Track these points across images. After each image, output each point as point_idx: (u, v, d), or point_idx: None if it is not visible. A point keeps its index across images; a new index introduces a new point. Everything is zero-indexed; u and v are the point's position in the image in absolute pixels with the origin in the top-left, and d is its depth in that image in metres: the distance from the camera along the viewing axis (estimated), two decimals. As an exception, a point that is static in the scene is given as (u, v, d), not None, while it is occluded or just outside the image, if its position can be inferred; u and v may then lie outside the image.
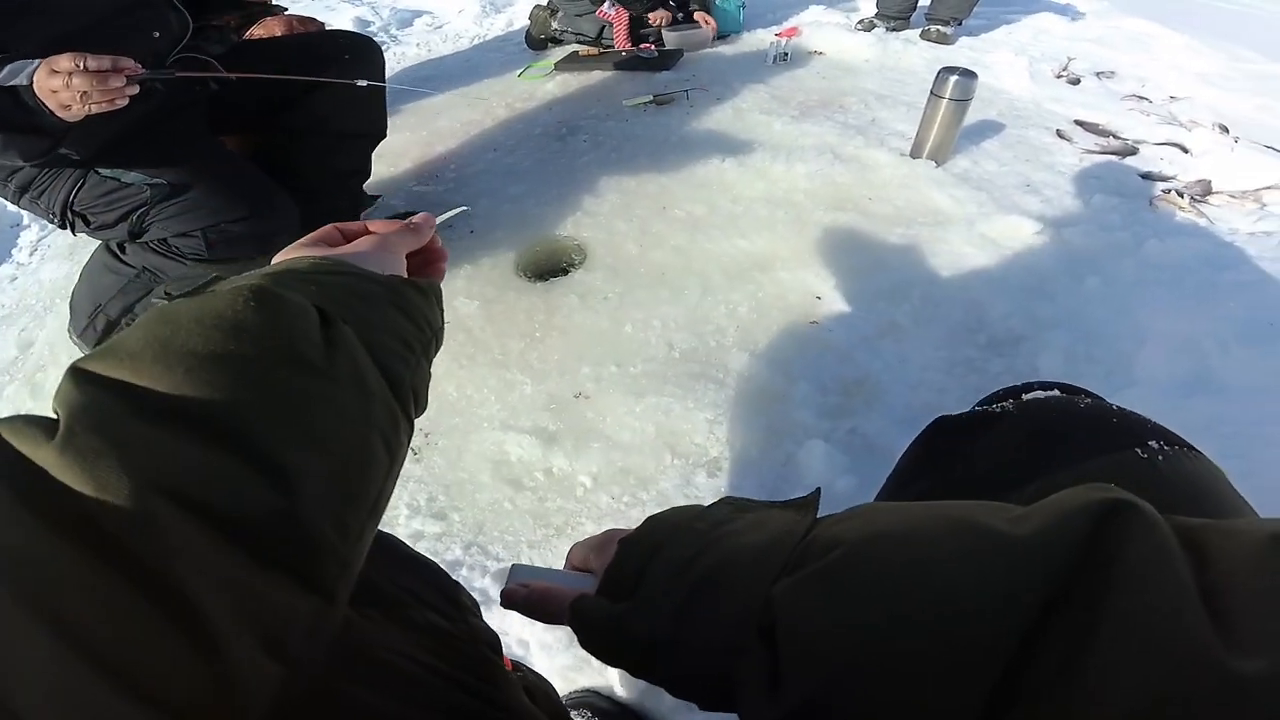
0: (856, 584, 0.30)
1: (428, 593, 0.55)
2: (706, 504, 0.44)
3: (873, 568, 0.31)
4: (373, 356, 0.38)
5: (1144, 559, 0.26)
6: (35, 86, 1.02)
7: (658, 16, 2.84)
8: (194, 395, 0.30)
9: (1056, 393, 0.56)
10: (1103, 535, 0.26)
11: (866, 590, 0.30)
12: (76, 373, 0.30)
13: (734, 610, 0.34)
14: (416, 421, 0.43)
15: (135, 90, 1.05)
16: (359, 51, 1.59)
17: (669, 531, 0.41)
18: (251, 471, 0.29)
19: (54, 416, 0.29)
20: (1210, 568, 0.26)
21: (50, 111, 1.04)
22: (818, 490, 0.41)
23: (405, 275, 0.48)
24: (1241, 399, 1.19)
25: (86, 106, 1.02)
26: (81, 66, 1.00)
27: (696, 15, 2.87)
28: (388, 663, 0.43)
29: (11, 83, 1.02)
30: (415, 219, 0.53)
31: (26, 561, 0.25)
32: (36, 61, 1.03)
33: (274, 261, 0.45)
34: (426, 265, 0.56)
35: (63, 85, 1.00)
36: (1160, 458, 0.45)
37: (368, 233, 0.52)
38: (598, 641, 0.40)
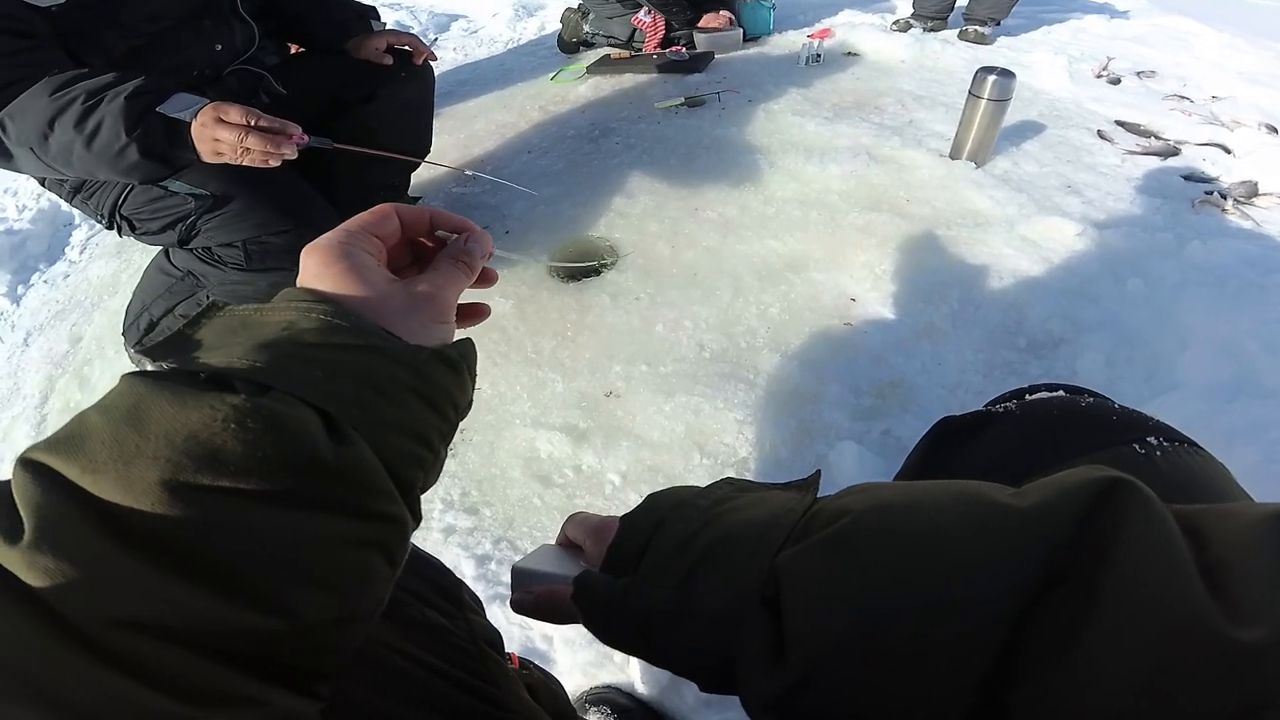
0: (863, 551, 0.30)
1: (427, 591, 0.55)
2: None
3: (879, 535, 0.31)
4: (385, 463, 0.33)
5: (1143, 532, 0.26)
6: (194, 127, 1.04)
7: (712, 19, 2.79)
8: (169, 528, 0.27)
9: (1061, 393, 0.57)
10: (1102, 509, 0.27)
11: (873, 557, 0.30)
12: (38, 469, 0.27)
13: (738, 580, 0.34)
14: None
15: (294, 155, 1.07)
16: (414, 70, 1.63)
17: (671, 508, 0.41)
18: (242, 609, 0.27)
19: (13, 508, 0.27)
20: (1208, 547, 0.26)
21: (194, 150, 1.06)
22: (818, 471, 0.42)
23: (450, 338, 0.40)
24: (1291, 404, 1.15)
25: (240, 160, 1.05)
26: (254, 124, 1.02)
27: (705, 17, 2.80)
28: (385, 662, 0.44)
29: (176, 115, 1.04)
30: (477, 237, 0.43)
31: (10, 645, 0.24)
32: (203, 101, 1.05)
33: (302, 262, 0.38)
34: (469, 310, 0.46)
35: (234, 138, 1.02)
36: (1159, 453, 0.45)
37: (429, 225, 0.44)
38: (601, 617, 0.40)
